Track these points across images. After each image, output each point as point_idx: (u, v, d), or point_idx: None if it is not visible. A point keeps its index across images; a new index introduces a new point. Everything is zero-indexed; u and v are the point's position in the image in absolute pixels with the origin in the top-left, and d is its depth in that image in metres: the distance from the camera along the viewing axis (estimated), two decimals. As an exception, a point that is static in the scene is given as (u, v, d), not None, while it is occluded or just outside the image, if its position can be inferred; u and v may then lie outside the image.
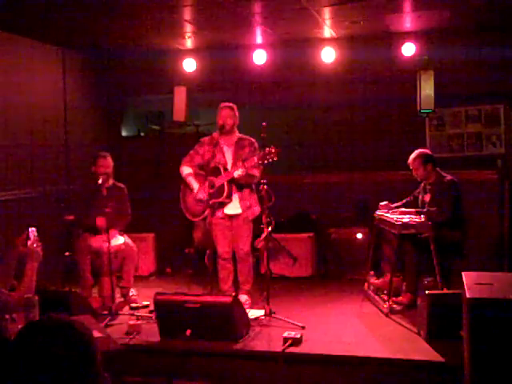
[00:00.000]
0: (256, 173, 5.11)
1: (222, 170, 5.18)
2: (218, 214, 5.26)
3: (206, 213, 5.23)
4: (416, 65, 6.50)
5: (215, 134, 5.28)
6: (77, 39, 6.62)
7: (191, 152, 5.44)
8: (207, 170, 5.27)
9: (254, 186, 5.30)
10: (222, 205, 5.23)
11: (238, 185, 5.21)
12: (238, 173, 5.05)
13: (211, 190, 5.18)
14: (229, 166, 5.22)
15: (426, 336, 4.25)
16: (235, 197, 5.24)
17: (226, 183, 5.15)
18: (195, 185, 5.31)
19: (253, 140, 5.26)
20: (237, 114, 5.30)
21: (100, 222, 5.28)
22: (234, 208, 5.26)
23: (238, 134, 5.34)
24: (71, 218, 5.80)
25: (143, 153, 7.74)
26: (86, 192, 5.79)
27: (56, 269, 5.55)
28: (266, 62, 6.87)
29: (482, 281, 3.33)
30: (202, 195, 5.22)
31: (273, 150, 4.78)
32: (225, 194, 5.16)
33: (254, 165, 4.98)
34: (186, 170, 5.40)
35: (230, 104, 5.31)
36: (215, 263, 5.45)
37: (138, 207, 5.97)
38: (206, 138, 5.41)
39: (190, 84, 7.21)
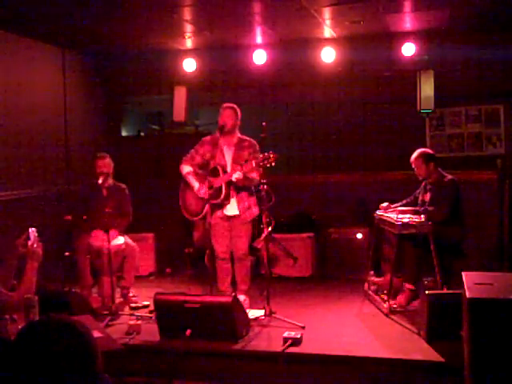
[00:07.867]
0: (255, 176, 5.08)
1: (220, 172, 5.14)
2: (218, 213, 5.24)
3: (204, 211, 5.21)
4: (416, 65, 6.50)
5: (217, 134, 5.23)
6: (77, 39, 6.61)
7: (192, 151, 5.40)
8: (207, 170, 5.25)
9: (253, 188, 5.30)
10: (222, 205, 5.21)
11: (237, 187, 5.19)
12: (236, 176, 5.00)
13: (210, 191, 5.16)
14: (228, 168, 5.17)
15: (426, 336, 4.25)
16: (233, 198, 5.22)
17: (224, 185, 5.12)
18: (195, 183, 5.27)
19: (254, 142, 5.22)
20: (239, 115, 5.26)
21: (95, 239, 5.38)
22: (232, 209, 5.22)
23: (238, 135, 5.29)
24: (71, 217, 5.81)
25: (143, 153, 7.74)
26: (85, 192, 5.79)
27: (56, 269, 5.54)
28: (265, 62, 6.87)
29: (482, 281, 3.33)
30: (204, 192, 5.18)
31: (271, 156, 4.75)
32: (222, 196, 5.12)
33: (252, 169, 4.95)
34: (185, 168, 5.37)
35: (232, 105, 5.27)
36: (215, 263, 5.45)
37: (138, 207, 5.97)
38: (208, 138, 5.38)
39: (189, 84, 7.21)
